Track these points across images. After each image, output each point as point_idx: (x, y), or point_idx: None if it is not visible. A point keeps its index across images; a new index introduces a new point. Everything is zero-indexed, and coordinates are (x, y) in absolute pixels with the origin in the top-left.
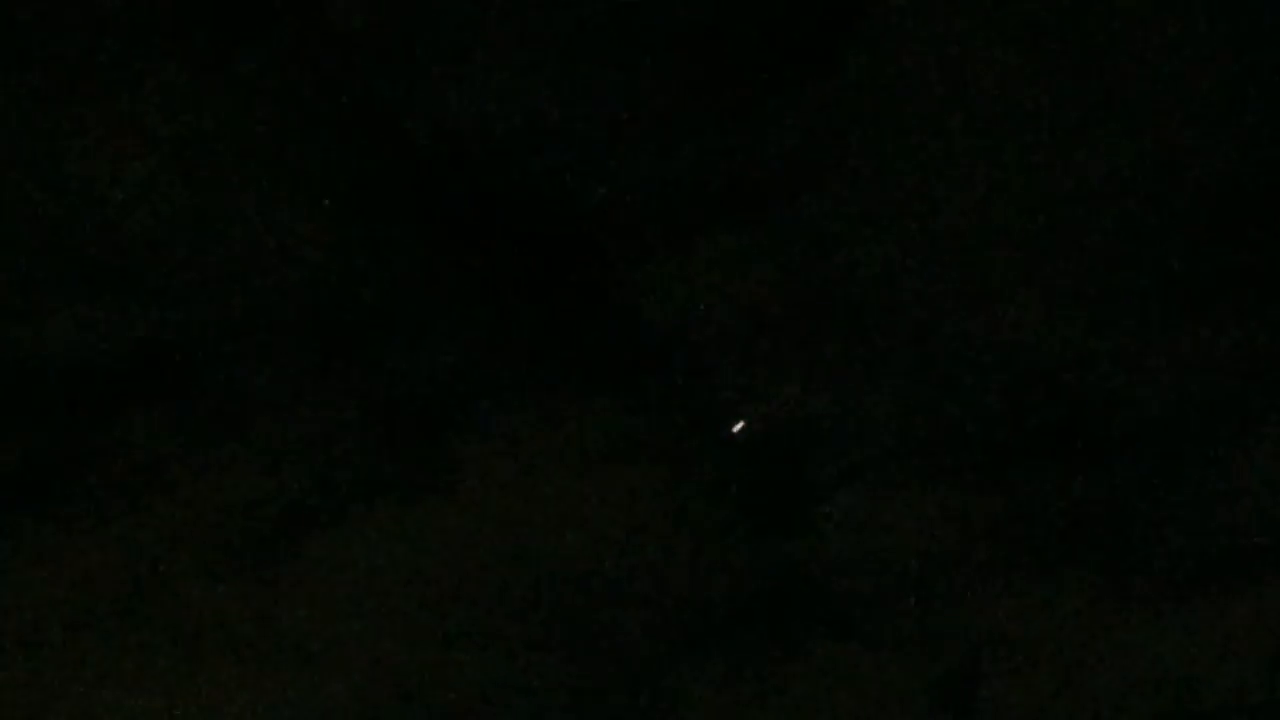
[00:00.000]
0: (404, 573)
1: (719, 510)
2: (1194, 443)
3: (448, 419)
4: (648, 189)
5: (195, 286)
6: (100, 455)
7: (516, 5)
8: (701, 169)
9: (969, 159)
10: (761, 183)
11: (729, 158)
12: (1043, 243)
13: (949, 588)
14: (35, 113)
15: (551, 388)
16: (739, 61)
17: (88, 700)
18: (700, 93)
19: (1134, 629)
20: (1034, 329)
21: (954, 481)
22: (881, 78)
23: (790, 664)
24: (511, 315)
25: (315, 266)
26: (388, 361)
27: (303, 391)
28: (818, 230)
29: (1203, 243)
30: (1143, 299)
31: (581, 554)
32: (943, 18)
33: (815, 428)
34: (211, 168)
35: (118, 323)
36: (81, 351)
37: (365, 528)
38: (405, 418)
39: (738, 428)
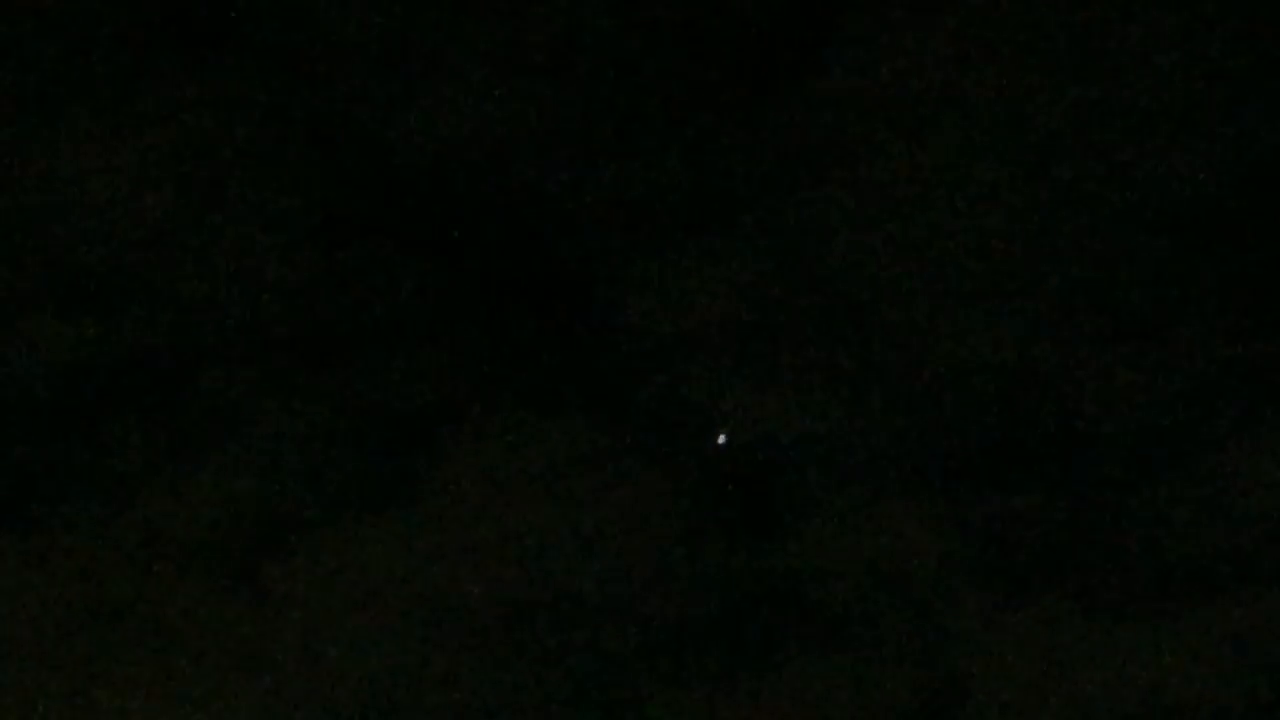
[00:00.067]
0: (385, 583)
1: (699, 521)
2: (1174, 456)
3: (428, 430)
4: (628, 198)
5: (178, 297)
6: (84, 464)
7: (498, 15)
8: (682, 179)
9: (951, 169)
10: (742, 192)
11: (710, 168)
12: (1022, 255)
13: (930, 599)
14: (18, 122)
15: (532, 398)
16: (719, 70)
17: (71, 708)
18: (680, 103)
19: (1114, 641)
20: (1014, 342)
21: (934, 493)
22: (864, 87)
23: (771, 677)
24: (492, 326)
25: (297, 277)
26: (369, 372)
27: (284, 402)
28: (798, 241)
29: (1174, 261)
30: (1121, 313)
31: (561, 565)
32: (924, 28)
33: (795, 439)
34: (196, 178)
35: (102, 332)
36: (65, 361)
37: (346, 538)
38: (386, 429)
39: (721, 439)
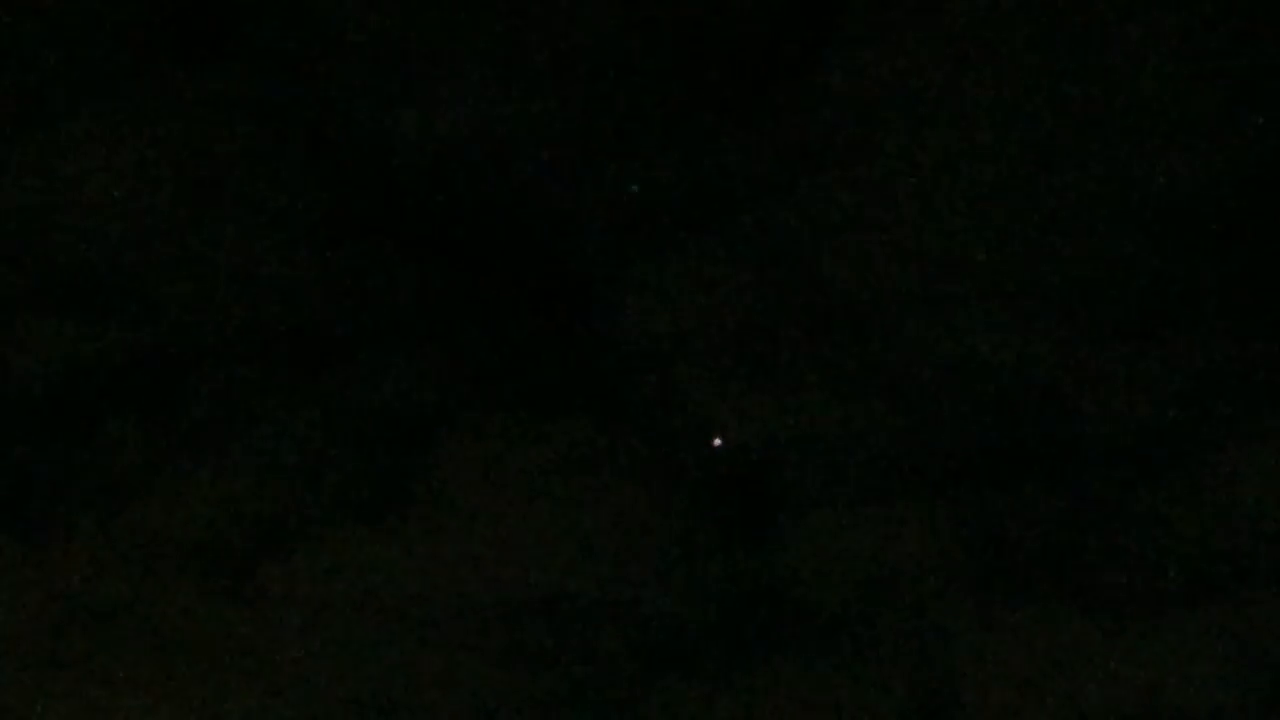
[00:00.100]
0: (383, 585)
1: (695, 523)
2: (1173, 456)
3: (426, 431)
4: (627, 199)
5: (176, 297)
6: (82, 465)
7: (494, 17)
8: (680, 180)
9: (949, 169)
10: (740, 193)
11: (708, 168)
12: (1021, 255)
13: (926, 601)
14: (16, 122)
15: (529, 400)
16: (719, 70)
17: (69, 709)
18: (680, 103)
19: (1111, 642)
20: (1012, 342)
21: (931, 494)
22: (863, 87)
23: (767, 678)
24: (489, 327)
25: (295, 277)
26: (367, 374)
27: (282, 404)
28: (797, 242)
29: (1172, 262)
30: (1121, 313)
31: (558, 567)
32: (924, 28)
33: (792, 440)
34: (194, 178)
35: (100, 333)
36: (63, 362)
37: (344, 540)
38: (384, 430)
39: (717, 443)
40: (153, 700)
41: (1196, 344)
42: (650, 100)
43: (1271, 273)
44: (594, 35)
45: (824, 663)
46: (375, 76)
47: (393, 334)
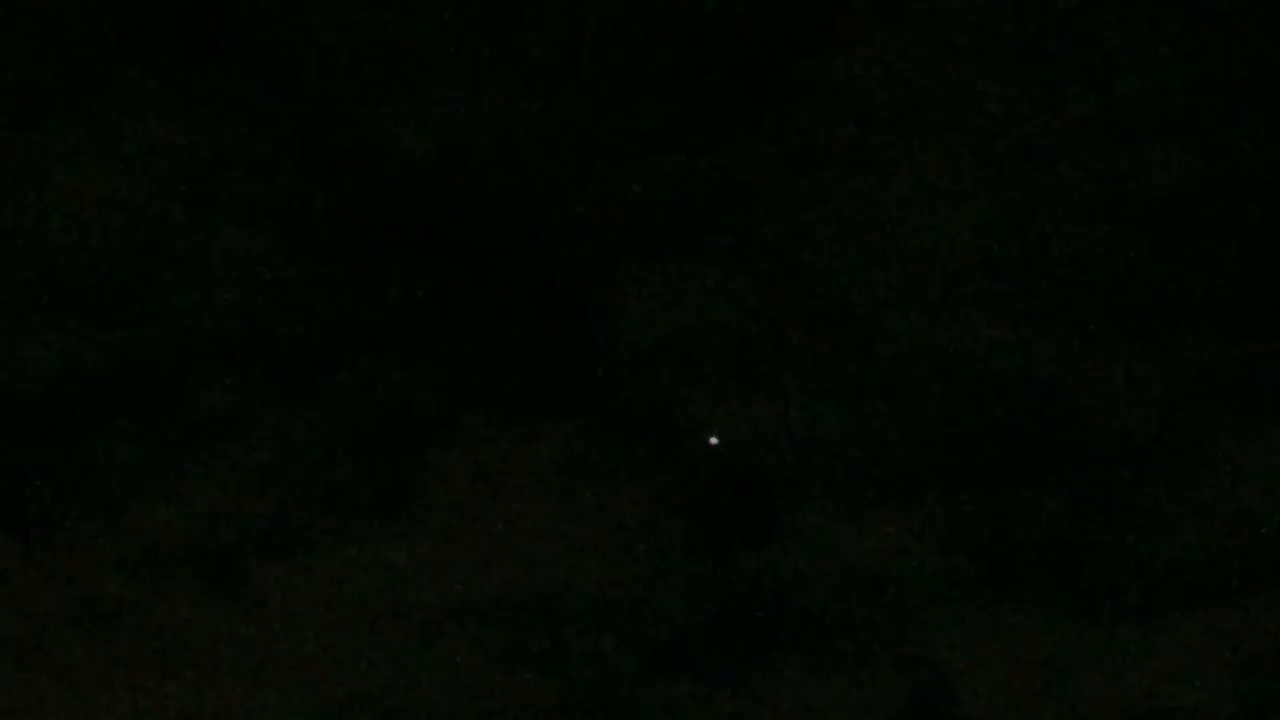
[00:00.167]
0: (381, 588)
1: (691, 527)
2: (1173, 456)
3: (417, 438)
4: (617, 208)
5: (173, 301)
6: (80, 468)
7: (490, 23)
8: (677, 184)
9: (948, 171)
10: (735, 198)
11: (702, 173)
12: (1019, 257)
13: (923, 604)
14: (11, 125)
15: (521, 406)
16: (717, 72)
17: (67, 710)
18: (678, 106)
19: (1108, 644)
20: (1008, 346)
21: (928, 496)
22: (861, 90)
23: (764, 680)
24: (482, 334)
25: (292, 283)
26: (364, 377)
27: (279, 408)
28: (791, 247)
29: (1172, 261)
30: (1120, 314)
31: (550, 572)
32: (923, 30)
33: (787, 444)
34: (191, 182)
35: (97, 337)
36: (61, 365)
37: (342, 543)
38: (381, 435)
39: (714, 440)
40: (153, 700)
41: (1196, 344)
42: (649, 102)
43: (1271, 273)
44: (593, 37)
45: (822, 663)
46: (374, 79)
47: (391, 336)
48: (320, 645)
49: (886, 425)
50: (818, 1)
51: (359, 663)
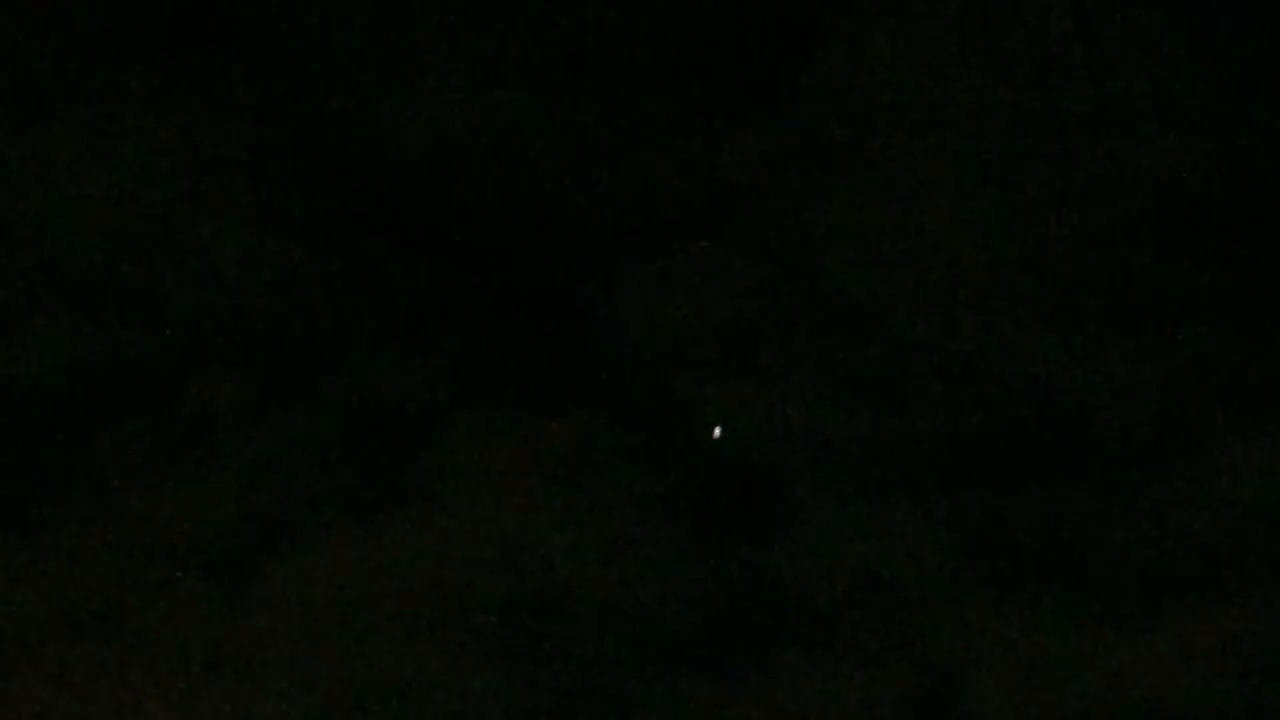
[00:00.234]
0: (381, 584)
1: (691, 524)
2: (1172, 456)
3: (416, 433)
4: (619, 202)
5: (173, 298)
6: (80, 466)
7: (490, 23)
8: (677, 180)
9: (947, 169)
10: (738, 193)
11: (705, 168)
12: (1018, 255)
13: (923, 602)
14: (10, 123)
15: (520, 401)
16: (715, 71)
17: (67, 709)
18: (676, 103)
19: (1109, 643)
20: (1007, 343)
21: (929, 493)
22: (860, 88)
23: (765, 676)
24: (481, 328)
25: (283, 279)
26: (363, 373)
27: (279, 404)
28: (788, 248)
29: (1168, 260)
30: (1120, 313)
31: (549, 567)
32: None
33: (788, 441)
34: (189, 180)
35: (96, 337)
36: (60, 363)
37: (333, 541)
38: (376, 433)
39: (717, 432)
40: (153, 700)
41: (1197, 342)
42: (650, 99)
43: (1272, 271)
44: (593, 35)
45: (823, 660)
46: (375, 78)
47: (390, 332)
48: (321, 643)
49: (888, 423)
50: (818, 1)
51: (359, 660)
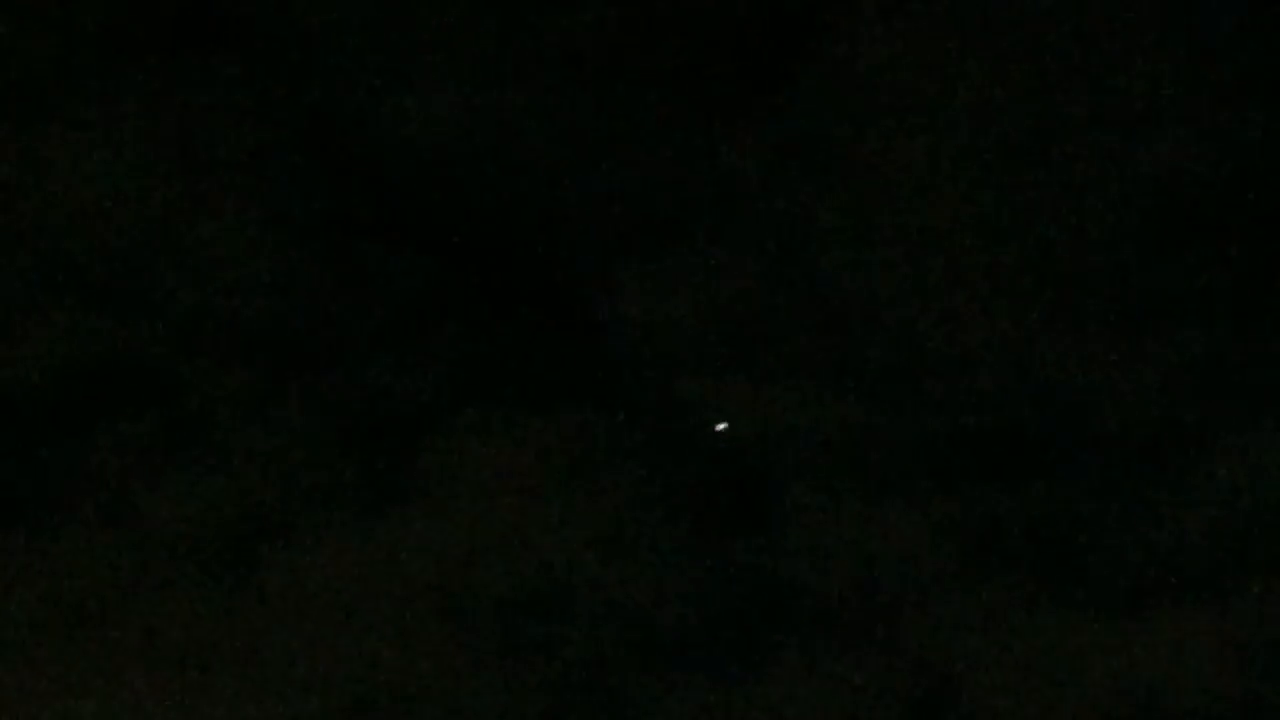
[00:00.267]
0: (381, 582)
1: (690, 520)
2: (1172, 455)
3: (415, 430)
4: (619, 202)
5: (172, 296)
6: (79, 464)
7: (493, 16)
8: (676, 177)
9: (946, 166)
10: (737, 190)
11: (704, 165)
12: (1018, 253)
13: (923, 599)
14: (10, 121)
15: (519, 398)
16: (714, 70)
17: (67, 707)
18: (675, 102)
19: (1108, 641)
20: (1007, 341)
21: (929, 491)
22: (858, 86)
23: (765, 674)
24: (480, 325)
25: (282, 277)
26: (363, 371)
27: (279, 401)
28: (787, 244)
29: (1168, 258)
30: (1115, 313)
31: (549, 564)
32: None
33: (787, 437)
34: (189, 178)
35: (96, 336)
36: (59, 360)
37: (333, 539)
38: (375, 430)
39: (720, 427)
40: (153, 699)
41: (1196, 339)
42: (649, 98)
43: (1270, 271)
44: (593, 33)
45: (821, 659)
46: (374, 76)
47: (390, 329)
48: (320, 642)
49: (886, 419)
50: (818, 1)
51: (358, 658)
